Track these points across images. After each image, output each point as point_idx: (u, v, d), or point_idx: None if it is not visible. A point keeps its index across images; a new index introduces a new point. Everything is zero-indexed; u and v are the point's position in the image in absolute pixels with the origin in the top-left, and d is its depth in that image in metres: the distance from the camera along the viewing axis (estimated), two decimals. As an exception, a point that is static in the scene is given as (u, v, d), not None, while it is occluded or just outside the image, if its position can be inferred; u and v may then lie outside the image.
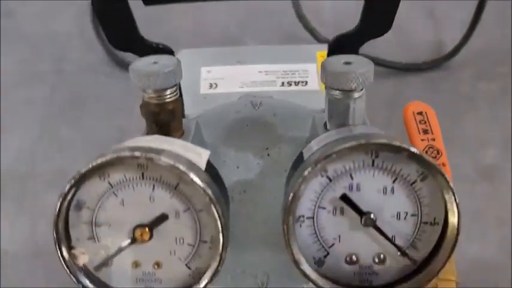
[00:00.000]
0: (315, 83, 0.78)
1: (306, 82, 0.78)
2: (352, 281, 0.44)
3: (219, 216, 0.40)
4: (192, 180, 0.40)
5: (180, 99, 0.51)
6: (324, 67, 0.47)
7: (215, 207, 0.40)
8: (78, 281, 0.43)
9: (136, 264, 0.44)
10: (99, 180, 0.41)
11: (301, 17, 1.07)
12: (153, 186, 0.41)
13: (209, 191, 0.40)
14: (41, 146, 1.12)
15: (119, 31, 0.52)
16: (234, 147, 0.58)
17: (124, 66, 1.12)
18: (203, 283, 0.42)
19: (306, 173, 0.40)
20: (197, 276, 0.44)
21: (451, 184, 0.41)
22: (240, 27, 1.23)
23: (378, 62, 1.07)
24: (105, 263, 0.43)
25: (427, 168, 0.41)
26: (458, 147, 1.07)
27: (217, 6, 1.21)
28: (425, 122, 0.60)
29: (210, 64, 0.80)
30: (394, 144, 0.39)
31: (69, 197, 0.41)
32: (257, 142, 0.58)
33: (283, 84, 0.78)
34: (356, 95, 0.46)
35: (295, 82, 0.78)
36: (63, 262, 0.42)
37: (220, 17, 1.23)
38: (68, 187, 0.41)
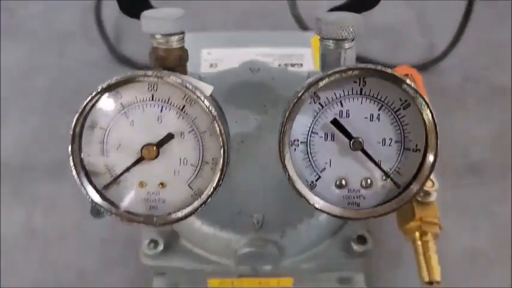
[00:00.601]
0: (310, 66, 0.83)
1: (302, 64, 0.84)
2: (341, 203, 0.48)
3: (221, 133, 0.44)
4: (197, 98, 0.44)
5: (186, 49, 0.55)
6: (318, 19, 0.51)
7: (217, 124, 0.44)
8: (88, 195, 0.46)
9: (142, 184, 0.47)
10: (112, 101, 0.46)
11: (296, 17, 1.13)
12: (161, 107, 0.46)
13: (212, 109, 0.44)
14: (40, 137, 1.16)
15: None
16: (234, 104, 0.63)
17: (124, 62, 1.17)
18: (203, 198, 0.46)
19: (299, 94, 0.44)
20: (198, 198, 0.47)
21: (432, 109, 0.45)
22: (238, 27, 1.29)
23: (370, 62, 1.12)
24: (114, 181, 0.47)
25: (409, 95, 0.45)
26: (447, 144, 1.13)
27: (216, 8, 1.27)
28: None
29: (211, 47, 0.86)
30: (379, 69, 0.44)
31: (83, 116, 0.45)
32: (256, 101, 0.63)
33: (279, 65, 0.83)
34: (347, 45, 0.51)
35: (291, 64, 0.83)
36: (76, 177, 0.46)
37: (219, 17, 1.29)
38: (83, 105, 0.45)
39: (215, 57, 0.85)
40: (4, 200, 1.06)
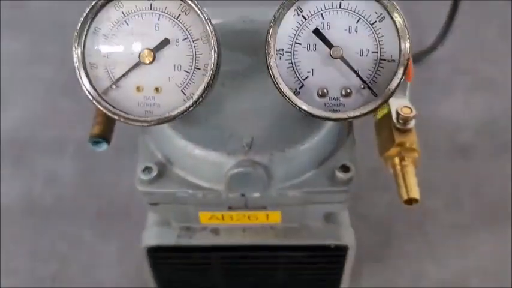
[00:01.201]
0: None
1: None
2: (323, 111, 0.52)
3: (212, 35, 0.49)
4: (192, 3, 0.49)
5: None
6: None
7: (209, 26, 0.49)
8: (90, 96, 0.50)
9: (139, 89, 0.51)
10: (114, 9, 0.50)
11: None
12: (159, 16, 0.50)
13: (205, 14, 0.49)
14: (42, 116, 1.20)
15: None
16: (227, 48, 0.67)
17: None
18: (194, 99, 0.50)
19: (282, 2, 0.49)
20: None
21: (405, 22, 0.50)
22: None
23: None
24: (113, 84, 0.51)
25: (384, 8, 0.50)
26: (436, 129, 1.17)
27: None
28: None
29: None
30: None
31: (88, 22, 0.50)
32: (247, 46, 0.67)
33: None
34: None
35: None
36: (80, 79, 0.50)
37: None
38: (86, 11, 0.49)
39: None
40: (5, 173, 1.10)
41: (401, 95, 0.62)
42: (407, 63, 0.50)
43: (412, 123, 0.61)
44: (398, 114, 0.60)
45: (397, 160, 0.61)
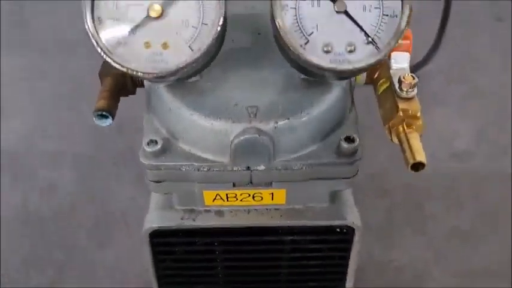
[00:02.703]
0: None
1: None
2: (329, 63, 0.52)
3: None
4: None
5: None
6: None
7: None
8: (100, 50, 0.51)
9: (147, 45, 0.52)
10: (124, -34, 0.52)
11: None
12: (168, -29, 0.52)
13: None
14: (41, 128, 1.20)
15: None
16: (230, 28, 0.69)
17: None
18: (202, 51, 0.51)
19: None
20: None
21: (406, -22, 0.52)
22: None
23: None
24: (122, 40, 0.52)
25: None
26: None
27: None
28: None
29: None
30: None
31: (98, -23, 0.51)
32: (249, 27, 0.69)
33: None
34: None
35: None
36: (90, 33, 0.51)
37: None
38: (98, -33, 0.51)
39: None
40: (3, 184, 1.09)
41: (402, 65, 0.63)
42: (409, 15, 0.51)
43: (414, 91, 0.62)
44: (400, 82, 0.61)
45: (401, 128, 0.61)
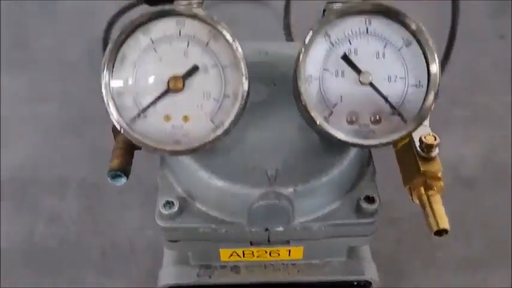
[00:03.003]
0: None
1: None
2: (355, 138, 0.51)
3: (242, 61, 0.48)
4: (221, 30, 0.49)
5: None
6: None
7: (239, 53, 0.48)
8: (118, 125, 0.49)
9: (167, 118, 0.51)
10: (143, 36, 0.50)
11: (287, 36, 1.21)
12: (188, 42, 0.50)
13: (236, 41, 0.49)
14: (45, 155, 1.18)
15: None
16: (245, 78, 0.67)
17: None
18: (225, 126, 0.49)
19: (313, 28, 0.49)
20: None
21: (433, 46, 0.50)
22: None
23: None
24: (141, 113, 0.50)
25: (412, 33, 0.50)
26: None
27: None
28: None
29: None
30: (386, 5, 0.49)
31: (116, 49, 0.49)
32: (265, 77, 0.68)
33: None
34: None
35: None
36: (108, 106, 0.49)
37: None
38: (115, 39, 0.49)
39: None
40: (7, 212, 1.07)
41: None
42: (438, 88, 0.50)
43: (436, 151, 0.61)
44: (421, 142, 0.60)
45: (422, 190, 0.60)
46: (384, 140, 0.50)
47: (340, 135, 0.50)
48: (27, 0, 1.47)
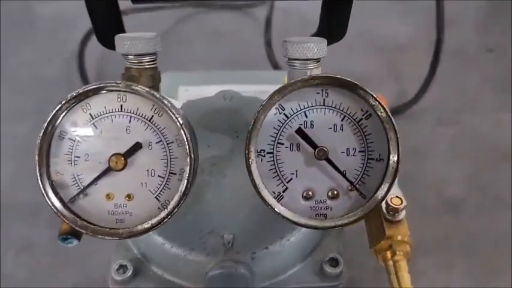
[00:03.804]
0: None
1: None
2: (308, 215, 0.48)
3: (187, 140, 0.45)
4: (164, 106, 0.45)
5: (158, 72, 0.57)
6: (285, 41, 0.53)
7: (184, 131, 0.45)
8: (53, 207, 0.46)
9: (109, 197, 0.47)
10: (82, 112, 0.46)
11: (273, 64, 1.18)
12: (130, 118, 0.47)
13: (179, 117, 0.45)
14: (16, 179, 1.15)
15: (106, 27, 0.59)
16: (207, 129, 0.64)
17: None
18: (169, 209, 0.46)
19: (264, 102, 0.46)
20: (165, 209, 0.47)
21: (393, 120, 0.47)
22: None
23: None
24: (81, 193, 0.47)
25: (370, 105, 0.47)
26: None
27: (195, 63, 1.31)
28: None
29: (188, 84, 0.88)
30: (340, 77, 0.46)
31: (51, 126, 0.46)
32: (228, 126, 0.64)
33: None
34: (311, 65, 0.53)
35: (265, 100, 0.86)
36: (42, 189, 0.46)
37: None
38: (52, 114, 0.46)
39: (192, 93, 0.87)
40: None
41: (390, 184, 0.59)
42: (397, 166, 0.47)
43: (402, 214, 0.58)
44: (388, 205, 0.57)
45: (388, 254, 0.58)
46: (340, 222, 0.47)
47: (293, 217, 0.47)
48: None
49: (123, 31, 0.61)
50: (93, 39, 1.32)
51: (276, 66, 1.20)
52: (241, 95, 0.69)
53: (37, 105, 1.26)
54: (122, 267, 0.59)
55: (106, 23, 0.60)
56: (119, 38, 0.53)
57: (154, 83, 0.56)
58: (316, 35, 0.63)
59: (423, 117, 1.23)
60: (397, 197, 0.57)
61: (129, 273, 0.58)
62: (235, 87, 0.87)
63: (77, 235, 0.59)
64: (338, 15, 0.60)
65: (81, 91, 0.45)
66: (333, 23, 0.60)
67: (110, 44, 0.61)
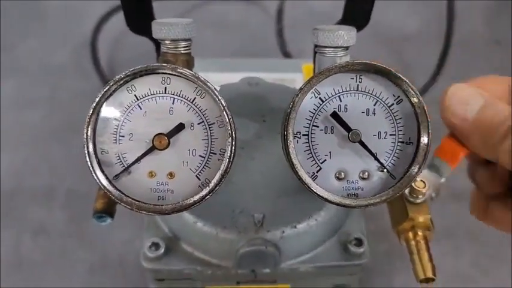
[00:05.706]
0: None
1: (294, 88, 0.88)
2: (340, 195, 0.50)
3: (229, 121, 0.47)
4: (208, 89, 0.47)
5: (192, 57, 0.59)
6: (316, 29, 0.55)
7: (226, 113, 0.47)
8: (100, 183, 0.48)
9: (151, 174, 0.49)
10: (127, 93, 0.48)
11: (285, 54, 1.19)
12: (173, 99, 0.49)
13: (222, 100, 0.47)
14: (31, 164, 1.16)
15: (137, 15, 0.61)
16: (234, 114, 0.66)
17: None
18: (211, 186, 0.48)
19: (302, 87, 0.48)
20: (206, 187, 0.49)
21: (424, 105, 0.49)
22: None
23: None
24: (125, 171, 0.49)
25: (402, 91, 0.49)
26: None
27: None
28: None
29: (207, 71, 0.90)
30: (376, 64, 0.48)
31: (99, 106, 0.48)
32: (254, 111, 0.66)
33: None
34: (341, 53, 0.55)
35: (284, 88, 0.88)
36: (90, 165, 0.48)
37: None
38: (100, 95, 0.47)
39: (211, 80, 0.89)
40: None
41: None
42: (427, 148, 0.49)
43: (423, 198, 0.60)
44: (411, 187, 0.59)
45: (410, 235, 0.60)
46: (372, 201, 0.49)
47: (327, 196, 0.49)
48: (10, 1, 1.43)
49: (153, 18, 0.63)
50: (105, 27, 1.34)
51: (287, 55, 1.21)
52: (266, 81, 0.71)
53: (49, 93, 1.28)
54: (155, 245, 0.61)
55: (138, 9, 0.61)
56: (156, 24, 0.54)
57: (189, 68, 0.58)
58: (341, 22, 0.65)
59: (431, 108, 1.25)
60: (421, 180, 0.60)
61: (162, 250, 0.61)
62: (253, 75, 0.89)
63: (111, 213, 0.62)
64: (363, 3, 0.62)
65: (128, 73, 0.47)
66: (358, 10, 0.62)
67: (139, 29, 0.63)
